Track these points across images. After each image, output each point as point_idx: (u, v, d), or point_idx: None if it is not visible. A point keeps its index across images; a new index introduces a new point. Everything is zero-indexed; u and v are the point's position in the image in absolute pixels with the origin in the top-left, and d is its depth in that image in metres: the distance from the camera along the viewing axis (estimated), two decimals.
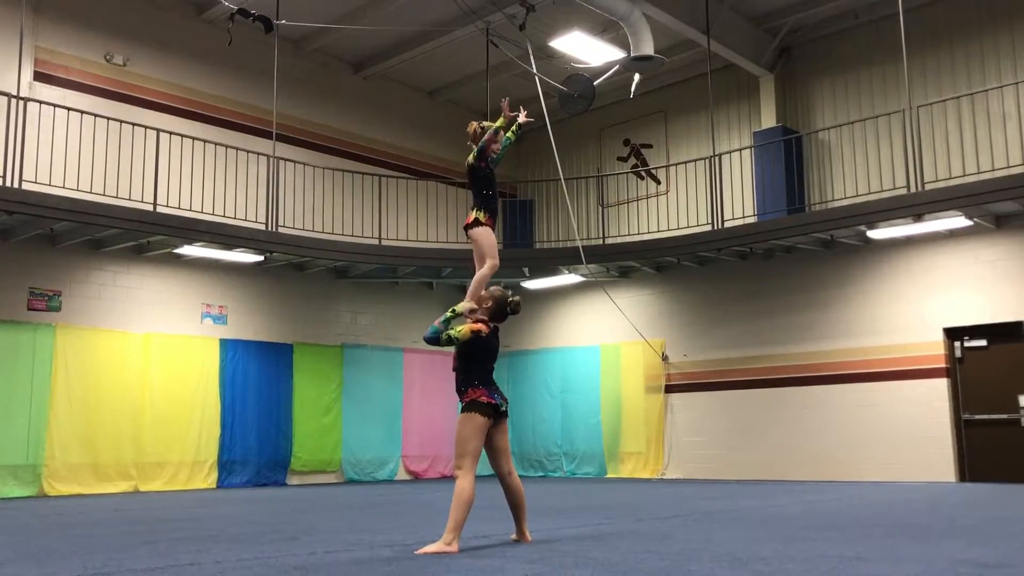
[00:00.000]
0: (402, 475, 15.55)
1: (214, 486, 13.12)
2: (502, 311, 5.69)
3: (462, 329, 5.52)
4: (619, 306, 14.77)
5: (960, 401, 12.23)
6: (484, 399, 5.45)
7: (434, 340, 5.50)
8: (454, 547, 5.16)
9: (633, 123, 16.65)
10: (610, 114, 16.76)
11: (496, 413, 5.48)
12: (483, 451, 5.49)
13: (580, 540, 5.75)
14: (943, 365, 12.31)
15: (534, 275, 15.45)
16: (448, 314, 5.56)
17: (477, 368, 5.55)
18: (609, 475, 15.30)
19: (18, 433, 11.45)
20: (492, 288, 5.79)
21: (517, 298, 5.76)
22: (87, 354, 12.21)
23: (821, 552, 4.93)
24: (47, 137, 11.60)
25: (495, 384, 5.60)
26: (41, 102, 11.46)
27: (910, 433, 12.36)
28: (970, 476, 12.01)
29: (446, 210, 15.89)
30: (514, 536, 5.73)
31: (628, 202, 16.49)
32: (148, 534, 6.50)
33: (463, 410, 5.46)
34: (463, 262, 14.93)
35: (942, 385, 12.27)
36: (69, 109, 11.66)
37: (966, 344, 12.32)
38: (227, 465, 13.33)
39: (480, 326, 5.55)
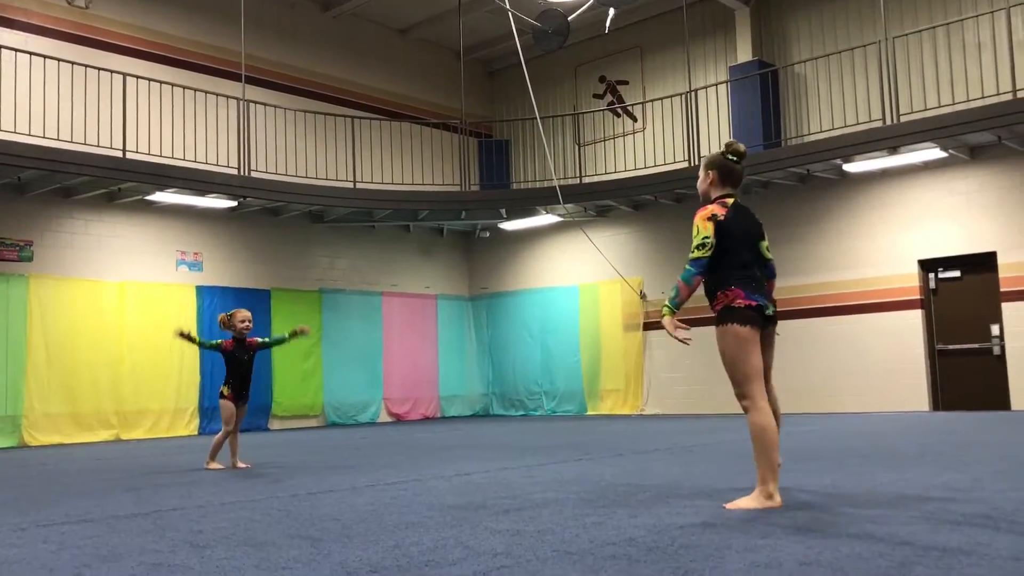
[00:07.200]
0: (384, 418, 15.65)
1: (196, 433, 13.16)
2: (729, 170, 4.39)
3: None
4: (597, 245, 14.75)
5: (934, 332, 12.40)
6: (741, 302, 4.12)
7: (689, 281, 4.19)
8: (776, 500, 4.04)
9: (608, 59, 16.47)
10: (585, 50, 16.56)
11: (762, 318, 4.18)
12: None
13: (561, 475, 5.82)
14: (918, 297, 12.45)
15: (511, 216, 15.40)
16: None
17: (729, 262, 4.21)
18: (589, 412, 15.47)
19: None
20: (714, 155, 4.50)
21: (740, 146, 4.44)
22: (62, 304, 12.10)
23: (797, 481, 5.01)
24: (10, 83, 11.32)
25: (758, 279, 4.26)
26: (2, 47, 11.15)
27: (885, 364, 12.54)
28: (943, 405, 12.23)
29: (421, 151, 15.74)
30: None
31: (604, 140, 16.39)
32: (130, 481, 6.52)
33: (717, 323, 4.21)
34: (439, 204, 14.85)
35: (916, 316, 12.42)
36: (31, 54, 11.36)
37: (940, 275, 12.45)
38: (208, 412, 13.33)
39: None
